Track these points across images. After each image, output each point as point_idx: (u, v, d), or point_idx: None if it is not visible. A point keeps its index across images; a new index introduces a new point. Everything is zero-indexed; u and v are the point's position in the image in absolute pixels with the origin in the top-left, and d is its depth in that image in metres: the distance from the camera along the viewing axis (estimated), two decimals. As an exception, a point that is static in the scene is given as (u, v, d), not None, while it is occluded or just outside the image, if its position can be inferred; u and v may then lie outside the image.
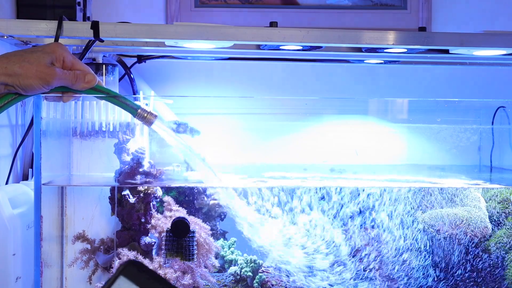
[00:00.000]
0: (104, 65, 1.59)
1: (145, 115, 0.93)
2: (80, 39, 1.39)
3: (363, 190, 1.59)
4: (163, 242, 1.46)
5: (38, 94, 0.88)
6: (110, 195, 1.52)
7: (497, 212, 1.59)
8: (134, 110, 0.93)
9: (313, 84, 1.89)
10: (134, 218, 1.50)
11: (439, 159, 1.82)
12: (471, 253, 1.55)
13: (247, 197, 1.54)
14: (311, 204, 1.56)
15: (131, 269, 0.57)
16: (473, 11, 1.96)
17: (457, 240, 1.54)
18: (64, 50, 0.90)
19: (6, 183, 1.55)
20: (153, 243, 1.47)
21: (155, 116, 0.94)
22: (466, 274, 1.55)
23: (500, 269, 1.55)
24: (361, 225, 1.60)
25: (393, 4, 1.94)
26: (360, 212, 1.61)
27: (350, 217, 1.61)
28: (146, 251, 1.47)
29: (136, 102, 0.95)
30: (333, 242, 1.56)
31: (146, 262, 1.41)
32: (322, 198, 1.63)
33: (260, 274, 1.55)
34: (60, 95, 0.92)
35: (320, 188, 1.56)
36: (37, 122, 1.32)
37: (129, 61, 1.76)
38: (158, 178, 1.50)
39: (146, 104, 1.51)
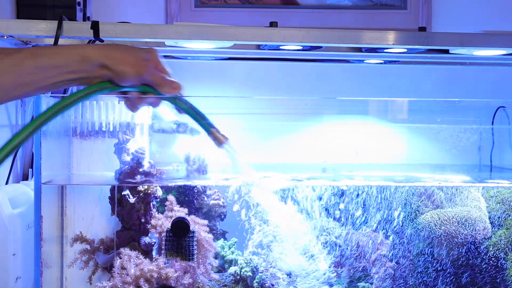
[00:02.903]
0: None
1: (218, 135, 0.95)
2: (80, 39, 1.39)
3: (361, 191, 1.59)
4: (163, 242, 1.46)
5: (121, 89, 0.89)
6: (110, 195, 1.52)
7: (497, 212, 1.59)
8: (209, 128, 0.95)
9: (313, 84, 1.88)
10: (134, 218, 1.50)
11: (439, 159, 1.82)
12: (471, 253, 1.55)
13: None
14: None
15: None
16: (473, 11, 1.96)
17: (457, 240, 1.54)
18: (158, 55, 0.93)
19: (6, 183, 1.55)
20: (153, 243, 1.47)
21: (227, 139, 0.96)
22: (466, 274, 1.55)
23: (500, 269, 1.55)
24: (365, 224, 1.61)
25: (393, 4, 1.94)
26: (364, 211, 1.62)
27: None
28: (146, 251, 1.47)
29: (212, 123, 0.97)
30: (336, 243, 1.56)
31: (146, 262, 1.41)
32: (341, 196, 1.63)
33: (260, 274, 1.55)
34: (142, 96, 0.93)
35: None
36: (37, 122, 1.31)
37: (129, 61, 1.75)
38: (158, 178, 1.50)
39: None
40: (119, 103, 1.53)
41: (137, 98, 0.92)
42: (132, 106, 0.94)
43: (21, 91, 0.84)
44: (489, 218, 1.58)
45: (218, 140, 0.96)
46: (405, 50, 1.48)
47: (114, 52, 0.88)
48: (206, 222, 1.57)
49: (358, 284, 1.54)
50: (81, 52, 0.86)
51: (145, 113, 1.55)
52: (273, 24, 1.39)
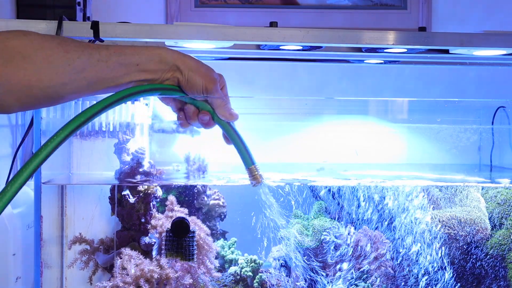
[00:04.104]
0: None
1: (255, 173, 0.96)
2: (80, 39, 1.38)
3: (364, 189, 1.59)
4: (163, 242, 1.46)
5: (184, 97, 0.90)
6: (110, 195, 1.52)
7: (497, 213, 1.59)
8: (249, 163, 0.96)
9: (313, 84, 1.88)
10: (134, 218, 1.50)
11: (439, 159, 1.82)
12: (471, 253, 1.55)
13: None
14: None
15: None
16: (473, 11, 1.96)
17: (456, 240, 1.54)
18: (225, 82, 0.95)
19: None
20: (153, 243, 1.47)
21: (262, 179, 0.96)
22: (466, 274, 1.55)
23: (500, 269, 1.55)
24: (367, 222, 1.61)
25: (393, 4, 1.94)
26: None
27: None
28: (146, 251, 1.47)
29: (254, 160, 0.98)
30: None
31: (146, 262, 1.41)
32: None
33: (260, 274, 1.55)
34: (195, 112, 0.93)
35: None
36: (37, 122, 1.32)
37: (129, 61, 1.75)
38: (158, 178, 1.50)
39: (146, 104, 1.51)
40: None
41: (192, 113, 0.93)
42: (185, 121, 0.95)
43: (102, 86, 0.85)
44: (489, 218, 1.58)
45: (255, 178, 0.97)
46: (405, 50, 1.48)
47: (190, 59, 0.90)
48: (206, 222, 1.57)
49: (358, 284, 1.54)
50: (159, 52, 0.88)
51: (145, 113, 1.56)
52: (273, 24, 1.39)
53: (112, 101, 0.85)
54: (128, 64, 0.85)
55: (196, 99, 0.92)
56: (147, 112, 1.55)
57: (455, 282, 1.54)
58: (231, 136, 0.96)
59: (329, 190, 1.65)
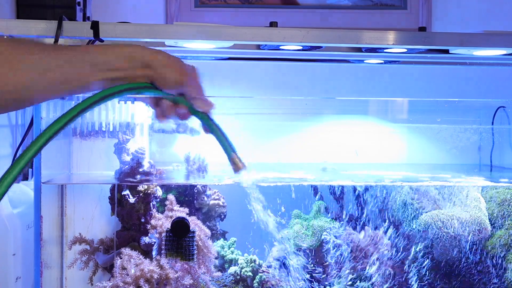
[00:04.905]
0: (104, 65, 1.59)
1: (237, 160, 0.97)
2: (80, 39, 1.39)
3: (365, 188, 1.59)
4: (163, 242, 1.46)
5: (158, 93, 0.90)
6: (110, 195, 1.52)
7: (497, 213, 1.59)
8: (230, 152, 0.96)
9: (313, 84, 1.88)
10: (134, 218, 1.50)
11: (439, 159, 1.82)
12: (471, 253, 1.55)
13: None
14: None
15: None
16: (473, 11, 1.96)
17: (456, 240, 1.54)
18: (199, 73, 0.95)
19: (6, 183, 1.54)
20: (153, 243, 1.47)
21: (244, 167, 0.97)
22: (466, 274, 1.55)
23: (500, 269, 1.55)
24: (362, 223, 1.61)
25: (393, 4, 1.94)
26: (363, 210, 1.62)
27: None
28: (146, 251, 1.47)
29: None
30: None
31: (146, 262, 1.41)
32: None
33: (260, 274, 1.55)
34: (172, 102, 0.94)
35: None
36: (37, 122, 1.32)
37: (129, 61, 1.75)
38: (158, 178, 1.50)
39: (146, 104, 1.51)
40: (118, 103, 1.53)
41: (168, 107, 0.93)
42: (162, 115, 0.95)
43: (70, 86, 0.84)
44: (489, 218, 1.58)
45: (237, 166, 0.98)
46: (405, 50, 1.48)
47: (160, 55, 0.90)
48: (206, 222, 1.57)
49: (358, 284, 1.54)
50: (129, 50, 0.87)
51: (145, 113, 1.56)
52: (273, 24, 1.39)
53: (82, 108, 0.85)
54: (95, 64, 0.84)
55: (171, 94, 0.92)
56: (147, 112, 1.55)
57: (455, 281, 1.54)
58: (210, 126, 0.96)
59: (330, 189, 1.65)
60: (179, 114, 0.94)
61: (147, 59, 0.88)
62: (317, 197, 1.64)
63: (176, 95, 0.92)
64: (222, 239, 1.65)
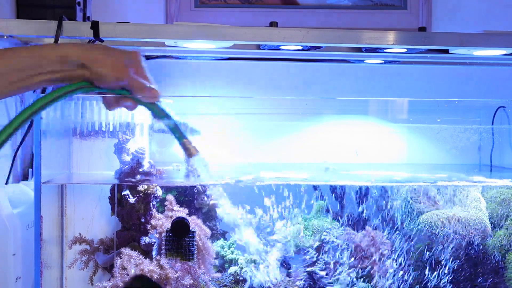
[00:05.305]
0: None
1: (189, 146, 0.96)
2: (80, 39, 1.39)
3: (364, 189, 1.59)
4: (163, 242, 1.46)
5: (102, 90, 0.90)
6: (110, 195, 1.52)
7: (497, 213, 1.59)
8: (181, 138, 0.96)
9: (313, 84, 1.88)
10: (134, 218, 1.50)
11: (439, 159, 1.82)
12: (471, 253, 1.55)
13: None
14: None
15: (137, 284, 0.57)
16: (473, 11, 1.95)
17: (456, 240, 1.54)
18: (141, 59, 0.93)
19: (6, 183, 1.55)
20: (153, 243, 1.47)
21: (197, 152, 0.97)
22: (466, 274, 1.55)
23: (500, 269, 1.55)
24: (362, 222, 1.61)
25: (393, 4, 1.94)
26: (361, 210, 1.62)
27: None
28: (146, 251, 1.47)
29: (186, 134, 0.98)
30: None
31: (146, 262, 1.41)
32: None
33: (260, 274, 1.55)
34: (113, 95, 0.93)
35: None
36: (37, 122, 1.32)
37: (129, 61, 1.75)
38: (158, 178, 1.50)
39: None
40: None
41: (113, 100, 0.93)
42: (109, 105, 0.95)
43: (4, 91, 0.84)
44: (489, 218, 1.58)
45: (189, 151, 0.98)
46: (405, 50, 1.48)
47: (95, 53, 0.88)
48: (206, 222, 1.57)
49: (358, 284, 1.54)
50: (60, 52, 0.87)
51: (145, 113, 1.55)
52: (273, 24, 1.39)
53: (22, 120, 0.85)
54: (22, 69, 0.84)
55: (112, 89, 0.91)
56: (147, 112, 1.55)
57: (455, 282, 1.54)
58: (159, 115, 0.96)
59: (332, 189, 1.65)
60: (125, 106, 0.94)
61: (82, 60, 0.86)
62: (314, 194, 1.64)
63: (120, 88, 0.91)
64: (222, 239, 1.65)
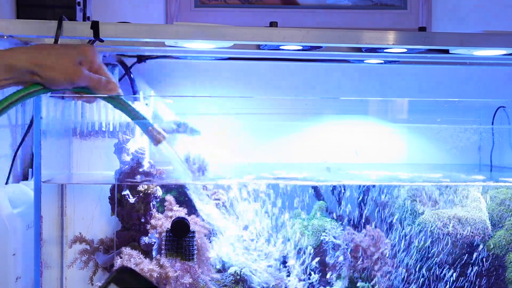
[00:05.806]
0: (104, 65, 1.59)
1: (155, 133, 0.96)
2: (80, 39, 1.39)
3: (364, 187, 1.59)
4: (163, 242, 1.46)
5: (60, 90, 0.89)
6: (110, 195, 1.52)
7: (497, 213, 1.59)
8: (145, 127, 0.96)
9: (313, 84, 1.88)
10: (134, 218, 1.50)
11: (439, 159, 1.82)
12: (471, 253, 1.55)
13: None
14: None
15: (123, 276, 0.56)
16: (473, 11, 1.96)
17: (456, 240, 1.54)
18: (95, 54, 0.92)
19: (6, 183, 1.55)
20: (153, 243, 1.47)
21: (164, 137, 0.96)
22: (467, 275, 1.55)
23: (500, 269, 1.55)
24: (358, 222, 1.61)
25: (393, 4, 1.94)
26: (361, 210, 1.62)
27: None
28: (146, 251, 1.47)
29: (150, 121, 0.98)
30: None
31: (146, 261, 1.41)
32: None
33: (260, 274, 1.55)
34: (77, 95, 0.93)
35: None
36: (37, 122, 1.32)
37: (129, 61, 1.75)
38: (158, 178, 1.50)
39: (146, 104, 1.51)
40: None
41: (72, 96, 0.92)
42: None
43: None
44: (489, 218, 1.58)
45: (155, 138, 0.97)
46: (405, 50, 1.48)
47: (44, 57, 0.87)
48: (207, 226, 1.57)
49: (359, 284, 1.54)
50: (6, 61, 0.85)
51: (145, 113, 1.55)
52: (273, 24, 1.39)
53: None
54: None
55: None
56: (147, 112, 1.55)
57: (455, 282, 1.54)
58: (121, 107, 0.95)
59: (332, 189, 1.65)
60: (85, 101, 0.94)
61: (30, 67, 0.85)
62: (311, 191, 1.64)
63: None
64: (222, 239, 1.65)
